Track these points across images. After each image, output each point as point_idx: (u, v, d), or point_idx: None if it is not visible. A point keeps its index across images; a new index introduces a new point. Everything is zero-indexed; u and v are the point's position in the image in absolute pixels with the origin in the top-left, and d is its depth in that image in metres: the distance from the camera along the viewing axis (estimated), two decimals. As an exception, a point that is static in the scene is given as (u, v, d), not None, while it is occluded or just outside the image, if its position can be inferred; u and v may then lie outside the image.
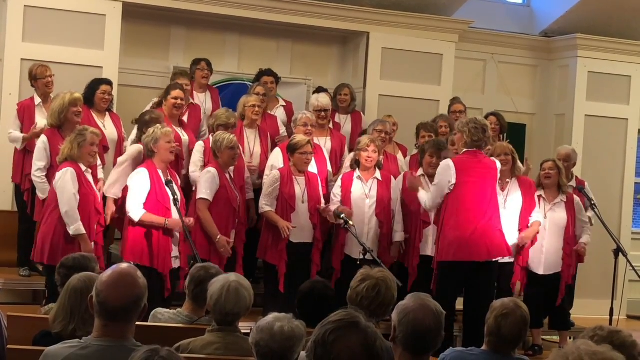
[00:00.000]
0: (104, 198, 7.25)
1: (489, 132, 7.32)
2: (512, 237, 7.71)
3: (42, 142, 7.26)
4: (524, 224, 7.85)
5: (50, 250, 6.65)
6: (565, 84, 10.72)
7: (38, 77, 7.85)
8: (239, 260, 7.49)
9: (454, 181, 7.12)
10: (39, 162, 7.22)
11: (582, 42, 10.45)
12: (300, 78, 10.04)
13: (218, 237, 7.18)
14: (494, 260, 7.22)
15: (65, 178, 6.66)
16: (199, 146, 7.78)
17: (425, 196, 7.45)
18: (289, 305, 6.85)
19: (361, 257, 7.18)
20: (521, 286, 8.08)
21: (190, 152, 7.90)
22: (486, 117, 8.97)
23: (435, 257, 7.36)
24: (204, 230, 7.23)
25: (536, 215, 7.87)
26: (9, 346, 4.12)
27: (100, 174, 7.41)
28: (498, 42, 10.71)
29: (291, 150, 7.64)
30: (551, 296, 8.06)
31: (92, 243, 6.77)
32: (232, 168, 7.53)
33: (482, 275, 7.16)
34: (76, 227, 6.65)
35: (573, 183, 8.43)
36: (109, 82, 8.07)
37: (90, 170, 6.91)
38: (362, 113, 9.39)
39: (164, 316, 4.99)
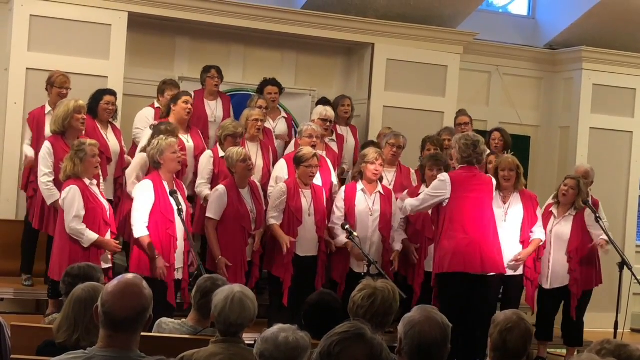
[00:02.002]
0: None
1: (482, 148, 7.28)
2: (513, 250, 7.73)
3: (46, 148, 7.24)
4: (526, 237, 7.85)
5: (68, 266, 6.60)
6: (570, 97, 10.71)
7: (56, 84, 7.82)
8: (256, 272, 7.54)
9: (448, 196, 7.13)
10: (45, 168, 7.20)
11: (587, 55, 10.45)
12: (305, 89, 10.05)
13: (219, 258, 7.22)
14: (489, 275, 7.17)
15: (68, 197, 6.68)
16: (207, 156, 7.79)
17: (411, 200, 7.42)
18: (294, 318, 6.85)
19: (365, 270, 7.17)
20: (530, 299, 8.06)
21: (195, 158, 7.92)
22: (490, 132, 8.98)
23: (433, 270, 7.35)
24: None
25: (537, 232, 7.87)
26: (12, 356, 4.12)
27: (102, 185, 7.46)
28: (503, 54, 10.72)
29: (297, 162, 7.63)
30: (565, 310, 8.06)
31: (106, 252, 6.83)
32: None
33: (477, 290, 7.12)
34: (86, 238, 6.68)
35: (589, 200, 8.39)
36: (112, 93, 8.06)
37: (95, 181, 6.93)
38: (355, 127, 9.38)
39: (168, 326, 4.98)
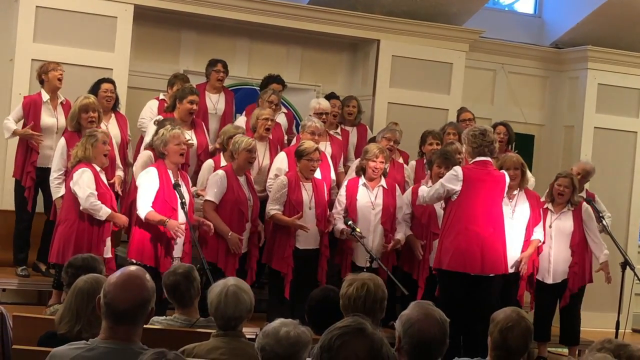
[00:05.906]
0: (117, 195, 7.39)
1: (491, 137, 7.21)
2: (517, 247, 7.71)
3: (60, 145, 7.27)
4: (530, 235, 7.84)
5: (74, 251, 6.60)
6: (575, 96, 10.70)
7: (50, 69, 7.74)
8: (253, 264, 7.51)
9: (458, 189, 7.08)
10: (57, 165, 7.23)
11: (592, 54, 10.44)
12: (310, 84, 10.04)
13: (229, 234, 7.18)
14: (491, 275, 7.14)
15: (83, 177, 6.75)
16: (208, 166, 7.69)
17: (425, 190, 7.42)
18: (295, 311, 6.86)
19: (367, 265, 7.17)
20: (531, 298, 8.02)
21: (197, 156, 7.92)
22: (494, 126, 8.93)
23: (433, 264, 7.33)
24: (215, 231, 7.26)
25: (537, 232, 7.86)
26: (14, 346, 4.13)
27: (120, 172, 7.56)
28: (508, 52, 10.71)
29: (298, 155, 7.62)
30: (563, 308, 8.06)
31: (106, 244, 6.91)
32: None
33: (477, 290, 7.09)
34: (103, 211, 6.78)
35: (583, 194, 8.39)
36: (110, 81, 8.03)
37: (103, 172, 6.96)
38: (367, 126, 9.37)
39: (161, 324, 4.99)
